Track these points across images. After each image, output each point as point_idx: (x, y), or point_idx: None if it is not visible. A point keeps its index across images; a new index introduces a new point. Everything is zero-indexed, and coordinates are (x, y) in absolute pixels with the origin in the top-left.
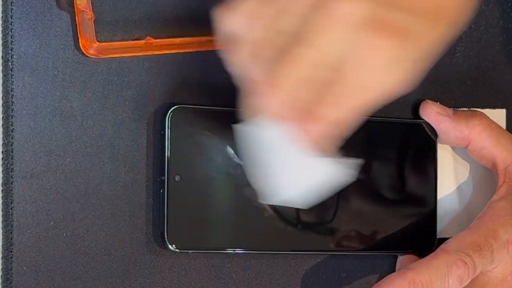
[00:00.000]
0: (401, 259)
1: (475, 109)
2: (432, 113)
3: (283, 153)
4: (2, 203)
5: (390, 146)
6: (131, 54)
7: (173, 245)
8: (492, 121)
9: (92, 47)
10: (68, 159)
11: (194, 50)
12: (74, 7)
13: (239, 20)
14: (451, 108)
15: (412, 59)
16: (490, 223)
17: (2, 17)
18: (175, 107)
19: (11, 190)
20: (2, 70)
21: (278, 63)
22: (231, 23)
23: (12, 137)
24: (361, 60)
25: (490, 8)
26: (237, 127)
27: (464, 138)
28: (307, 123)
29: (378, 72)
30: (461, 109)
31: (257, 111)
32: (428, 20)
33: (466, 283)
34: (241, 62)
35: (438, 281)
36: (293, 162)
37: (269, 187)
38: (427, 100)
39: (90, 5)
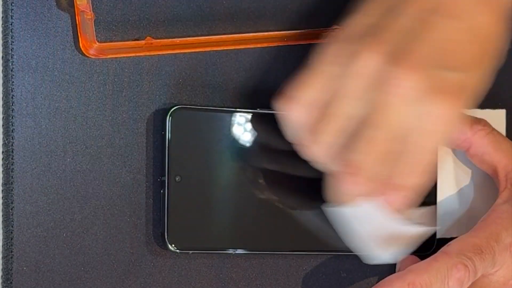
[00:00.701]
0: (401, 259)
1: (475, 109)
2: None
3: (374, 222)
4: (2, 203)
5: None
6: (131, 54)
7: (173, 246)
8: (495, 129)
9: (92, 47)
10: (68, 159)
11: (194, 50)
12: (74, 7)
13: (304, 111)
14: None
15: (466, 106)
16: (493, 226)
17: (2, 17)
18: (176, 107)
19: (11, 190)
20: (2, 70)
21: (354, 149)
22: (296, 116)
23: (12, 137)
24: (426, 127)
25: None
26: (330, 210)
27: (465, 140)
28: (389, 194)
29: (441, 132)
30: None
31: (345, 196)
32: (476, 69)
33: (466, 286)
34: (319, 155)
35: (438, 283)
36: (383, 228)
37: (369, 252)
38: None
39: (90, 5)
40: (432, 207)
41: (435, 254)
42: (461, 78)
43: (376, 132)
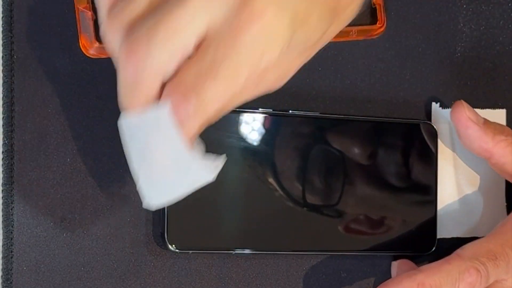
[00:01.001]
0: (395, 264)
1: (475, 109)
2: (463, 117)
3: (156, 142)
4: (2, 203)
5: (390, 146)
6: None
7: (173, 245)
8: None
9: (92, 47)
10: (68, 159)
11: None
12: (74, 7)
13: None
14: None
15: (300, 48)
16: (509, 232)
17: (2, 17)
18: None
19: (11, 190)
20: (3, 70)
21: (143, 24)
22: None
23: (12, 137)
24: (235, 26)
25: (490, 8)
26: (120, 122)
27: (487, 150)
28: (177, 98)
29: (258, 51)
30: None
31: (130, 91)
32: (325, 14)
33: None
34: (111, 32)
35: (448, 285)
36: (165, 152)
37: (141, 183)
38: (462, 101)
39: (90, 5)
40: (222, 158)
41: (448, 257)
42: (305, 9)
43: (171, 15)
